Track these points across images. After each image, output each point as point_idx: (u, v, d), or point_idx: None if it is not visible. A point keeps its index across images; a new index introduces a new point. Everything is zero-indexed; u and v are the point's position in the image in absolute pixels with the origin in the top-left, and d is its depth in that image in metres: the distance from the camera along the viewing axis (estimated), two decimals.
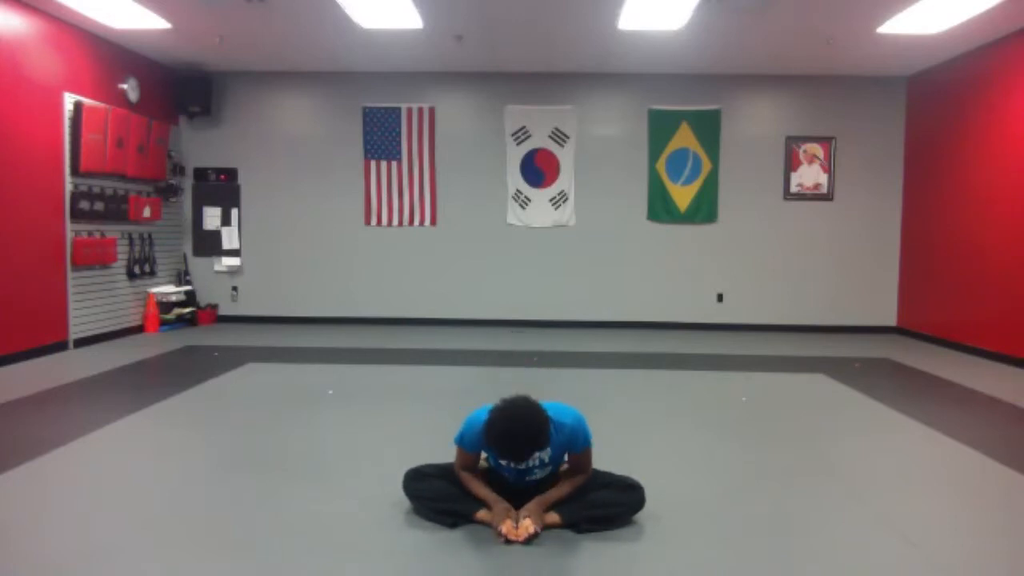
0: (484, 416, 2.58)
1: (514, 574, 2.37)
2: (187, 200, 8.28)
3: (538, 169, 8.19)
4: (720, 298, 8.27)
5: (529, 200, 8.22)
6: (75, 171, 6.37)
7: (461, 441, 2.74)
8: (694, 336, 7.73)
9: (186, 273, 8.27)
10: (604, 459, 2.97)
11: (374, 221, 8.25)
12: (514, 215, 8.24)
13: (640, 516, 2.75)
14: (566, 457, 2.82)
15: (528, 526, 2.54)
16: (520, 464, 2.62)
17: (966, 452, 3.75)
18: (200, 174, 8.27)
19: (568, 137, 8.14)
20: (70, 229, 6.35)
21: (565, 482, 2.72)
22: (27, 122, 5.87)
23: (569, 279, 8.25)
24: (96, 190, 6.64)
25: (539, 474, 2.75)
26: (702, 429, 4.14)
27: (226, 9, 5.92)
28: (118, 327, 7.10)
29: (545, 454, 2.67)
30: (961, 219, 7.01)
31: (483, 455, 2.86)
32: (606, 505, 2.67)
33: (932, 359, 6.52)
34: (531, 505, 2.63)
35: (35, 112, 5.95)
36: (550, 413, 2.59)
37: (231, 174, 8.28)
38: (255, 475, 3.27)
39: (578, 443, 2.69)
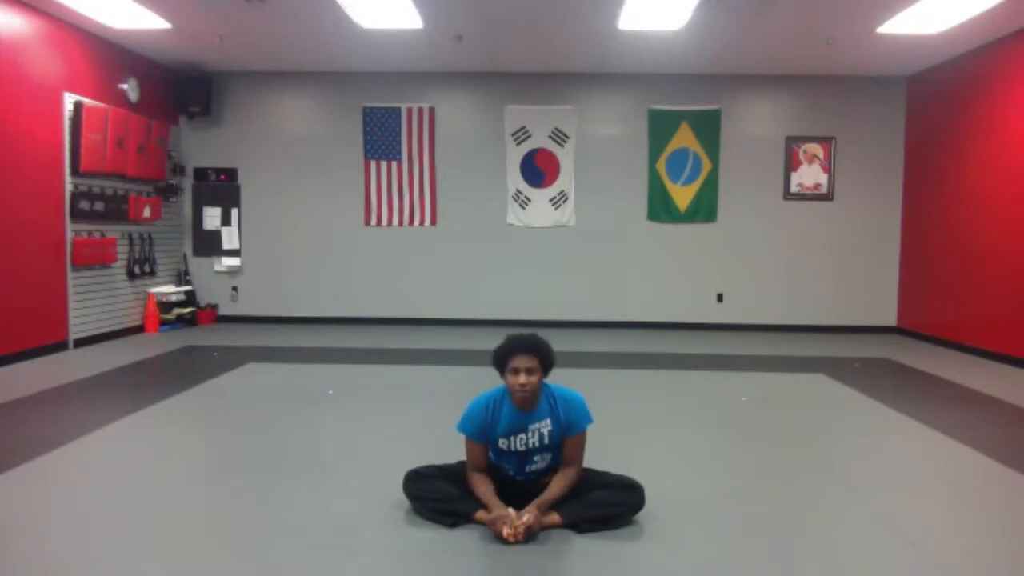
0: (481, 398, 2.78)
1: (514, 574, 2.37)
2: (187, 200, 8.28)
3: (538, 169, 8.19)
4: (720, 298, 8.27)
5: (529, 200, 8.21)
6: (75, 171, 6.37)
7: (464, 426, 2.78)
8: (694, 336, 7.73)
9: (186, 273, 8.27)
10: (604, 459, 2.97)
11: (374, 221, 8.25)
12: (514, 215, 8.24)
13: (640, 516, 2.75)
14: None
15: (527, 520, 2.55)
16: (525, 353, 2.68)
17: (966, 452, 3.75)
18: (200, 174, 8.27)
19: (568, 137, 8.14)
20: (70, 229, 6.35)
21: (558, 480, 2.73)
22: (27, 122, 5.87)
23: (569, 279, 8.25)
24: (96, 190, 6.64)
25: (539, 462, 2.77)
26: (702, 429, 4.15)
27: (226, 9, 5.92)
28: (118, 327, 7.10)
29: (545, 428, 2.72)
30: (961, 219, 7.01)
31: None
32: (606, 505, 2.68)
33: (932, 359, 6.52)
34: (530, 508, 2.63)
35: (35, 112, 5.95)
36: (556, 388, 2.81)
37: (231, 174, 8.28)
38: (255, 475, 3.27)
39: (578, 421, 2.75)
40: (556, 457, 2.80)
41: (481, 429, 2.75)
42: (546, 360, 2.72)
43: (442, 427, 3.41)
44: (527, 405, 2.71)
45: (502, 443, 2.75)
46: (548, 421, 2.73)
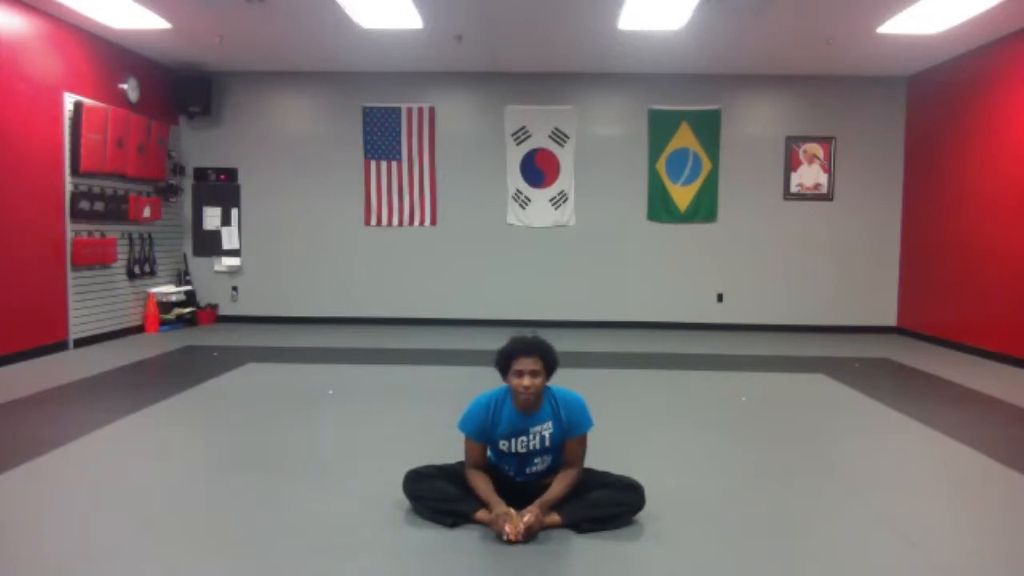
0: (482, 398, 2.77)
1: (514, 574, 2.37)
2: (187, 200, 8.28)
3: (538, 169, 8.19)
4: (720, 298, 8.27)
5: (529, 200, 8.21)
6: (75, 171, 6.37)
7: (464, 425, 2.77)
8: (694, 336, 7.73)
9: (186, 273, 8.27)
10: (604, 459, 2.97)
11: (374, 221, 8.25)
12: (514, 215, 8.24)
13: (640, 516, 2.75)
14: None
15: (529, 520, 2.55)
16: (529, 355, 2.66)
17: (966, 452, 3.75)
18: (200, 174, 8.27)
19: (568, 137, 8.14)
20: (70, 229, 6.35)
21: (560, 480, 2.73)
22: (27, 122, 5.86)
23: (569, 279, 8.25)
24: (96, 190, 6.64)
25: (539, 464, 2.77)
26: (702, 429, 4.15)
27: (226, 9, 5.92)
28: (118, 327, 7.10)
29: (547, 430, 2.71)
30: (961, 219, 7.01)
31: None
32: (606, 505, 2.68)
33: (932, 359, 6.52)
34: (531, 508, 2.63)
35: (35, 112, 5.95)
36: (558, 391, 2.78)
37: (231, 174, 8.28)
38: (255, 475, 3.27)
39: (579, 424, 2.74)
40: (556, 459, 2.80)
41: (481, 429, 2.74)
42: (550, 362, 2.72)
43: (442, 427, 3.40)
44: (530, 407, 2.71)
45: (502, 445, 2.75)
46: (550, 424, 2.72)
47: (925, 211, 7.66)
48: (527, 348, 2.68)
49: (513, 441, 2.73)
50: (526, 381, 2.64)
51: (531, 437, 2.72)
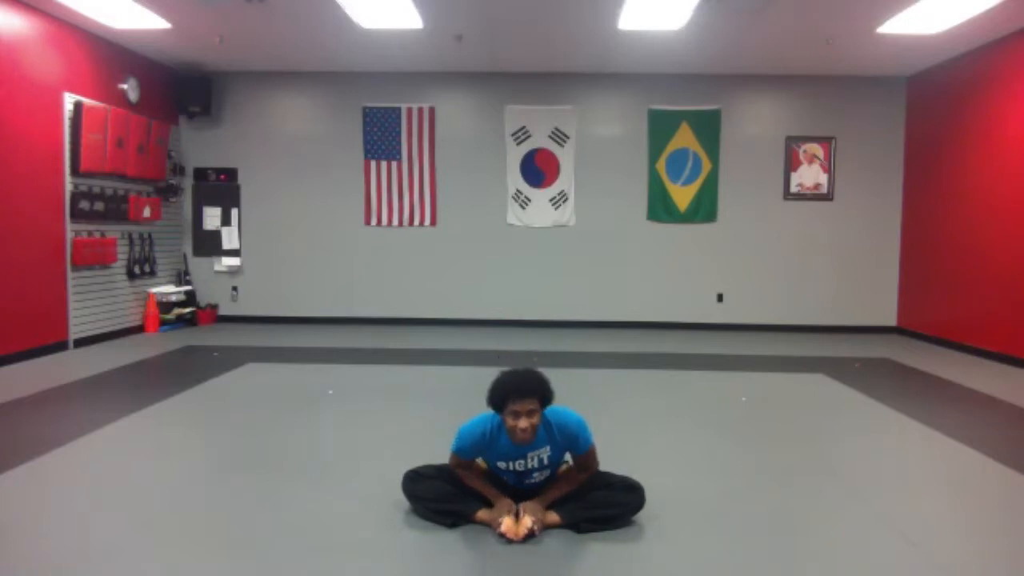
0: (477, 423, 2.69)
1: (514, 574, 2.37)
2: (187, 200, 8.28)
3: (538, 169, 8.19)
4: (720, 298, 8.27)
5: (529, 200, 8.22)
6: (75, 171, 6.37)
7: (459, 451, 2.74)
8: (694, 336, 7.73)
9: (186, 273, 8.27)
10: (604, 459, 2.96)
11: (374, 221, 8.25)
12: (514, 215, 8.24)
13: (640, 516, 2.75)
14: (566, 457, 2.84)
15: (527, 523, 2.55)
16: (525, 397, 2.55)
17: (966, 452, 3.75)
18: (200, 174, 8.27)
19: (568, 137, 8.14)
20: (70, 229, 6.35)
21: (566, 479, 2.74)
22: (27, 122, 5.87)
23: (569, 279, 8.25)
24: (96, 190, 6.64)
25: (538, 477, 2.76)
26: (702, 429, 4.14)
27: (226, 9, 5.92)
28: (118, 327, 7.10)
29: (544, 453, 2.69)
30: (961, 219, 7.01)
31: (483, 462, 2.87)
32: (606, 505, 2.68)
33: (932, 359, 6.52)
34: (532, 503, 2.64)
35: (35, 112, 5.95)
36: (552, 415, 2.68)
37: (231, 174, 8.28)
38: (255, 475, 3.27)
39: (580, 444, 2.70)
40: (555, 473, 2.81)
41: (475, 454, 2.74)
42: (545, 399, 2.62)
43: (442, 427, 3.40)
44: (526, 443, 2.65)
45: (500, 464, 2.74)
46: (548, 448, 2.69)
47: (925, 211, 7.66)
48: (522, 390, 2.56)
49: (511, 463, 2.71)
50: (523, 423, 2.56)
51: (528, 460, 2.70)
